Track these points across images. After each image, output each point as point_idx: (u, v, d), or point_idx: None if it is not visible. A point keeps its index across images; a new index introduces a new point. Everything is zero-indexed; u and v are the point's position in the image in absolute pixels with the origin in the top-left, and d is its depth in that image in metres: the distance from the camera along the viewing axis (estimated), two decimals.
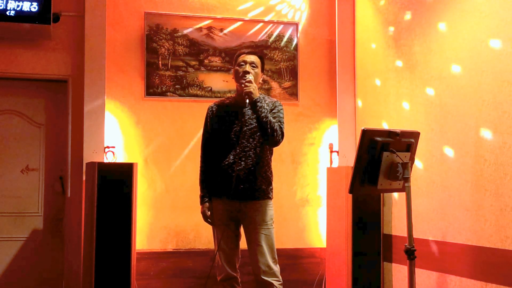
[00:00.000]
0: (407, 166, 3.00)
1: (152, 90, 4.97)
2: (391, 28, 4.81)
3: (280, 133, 3.48)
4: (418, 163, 4.35)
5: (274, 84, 5.26)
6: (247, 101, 3.44)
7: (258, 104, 3.43)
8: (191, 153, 4.93)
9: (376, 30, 5.03)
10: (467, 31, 3.96)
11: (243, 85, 3.48)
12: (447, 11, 4.16)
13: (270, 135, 3.44)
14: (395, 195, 4.75)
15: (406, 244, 2.98)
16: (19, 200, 4.78)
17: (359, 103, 5.26)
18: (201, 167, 3.69)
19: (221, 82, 5.13)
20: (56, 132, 4.88)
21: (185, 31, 5.04)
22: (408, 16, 4.60)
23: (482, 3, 3.82)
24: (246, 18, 5.22)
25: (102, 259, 4.25)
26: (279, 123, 3.50)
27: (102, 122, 4.75)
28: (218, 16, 5.15)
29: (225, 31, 5.15)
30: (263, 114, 3.42)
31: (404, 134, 3.10)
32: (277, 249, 3.59)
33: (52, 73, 4.79)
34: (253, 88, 3.45)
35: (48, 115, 4.89)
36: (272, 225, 3.57)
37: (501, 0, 3.68)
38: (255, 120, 3.50)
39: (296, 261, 5.18)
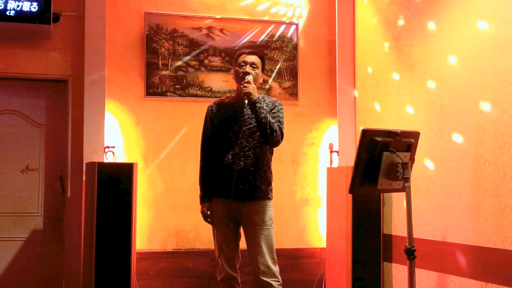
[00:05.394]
0: (407, 166, 3.00)
1: (152, 90, 4.97)
2: (391, 28, 4.81)
3: (279, 133, 3.48)
4: (419, 163, 4.34)
5: (274, 84, 5.26)
6: (246, 102, 3.44)
7: (257, 105, 3.43)
8: (191, 153, 4.92)
9: (376, 30, 5.03)
10: (467, 31, 3.96)
11: (242, 86, 3.48)
12: (447, 11, 4.16)
13: (269, 136, 3.44)
14: (395, 195, 4.75)
15: (406, 244, 2.98)
16: (19, 200, 4.78)
17: (359, 103, 5.26)
18: (201, 166, 3.69)
19: (221, 82, 5.13)
20: (56, 132, 4.88)
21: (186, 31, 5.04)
22: (408, 16, 4.60)
23: (482, 3, 3.82)
24: (246, 18, 5.22)
25: (102, 259, 4.25)
26: (279, 123, 3.50)
27: (102, 122, 4.75)
28: (218, 16, 5.15)
29: (225, 31, 5.15)
30: (262, 115, 3.42)
31: (404, 134, 3.10)
32: (277, 249, 3.59)
33: (52, 73, 4.79)
34: (252, 88, 3.44)
35: (48, 115, 4.89)
36: (271, 226, 3.56)
37: (501, 0, 3.68)
38: (254, 120, 3.49)
39: (296, 261, 5.18)
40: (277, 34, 5.27)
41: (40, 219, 4.82)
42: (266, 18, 5.27)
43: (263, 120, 3.42)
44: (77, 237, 4.69)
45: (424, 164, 4.32)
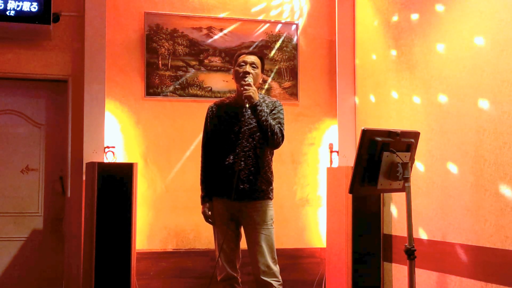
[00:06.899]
0: (407, 166, 3.00)
1: (152, 90, 4.97)
2: (391, 28, 4.81)
3: (280, 135, 3.48)
4: (418, 163, 4.34)
5: (274, 84, 5.26)
6: (247, 105, 3.44)
7: (258, 108, 3.43)
8: (191, 153, 4.93)
9: (376, 30, 5.03)
10: (467, 31, 3.96)
11: (242, 88, 3.48)
12: (447, 11, 4.17)
13: (270, 138, 3.45)
14: (395, 195, 4.74)
15: (406, 244, 2.98)
16: (19, 200, 4.78)
17: (359, 103, 5.26)
18: (202, 167, 3.69)
19: (221, 82, 5.13)
20: (56, 132, 4.88)
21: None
22: (408, 16, 4.60)
23: (482, 3, 3.82)
24: (246, 18, 5.22)
25: (102, 259, 4.25)
26: (279, 125, 3.50)
27: (102, 122, 4.75)
28: (218, 16, 5.15)
29: (225, 31, 5.15)
30: (263, 118, 3.42)
31: (404, 134, 3.10)
32: (277, 249, 3.60)
33: (52, 73, 4.79)
34: (253, 91, 3.44)
35: (48, 115, 4.89)
36: (272, 225, 3.57)
37: (501, 0, 3.68)
38: (254, 120, 3.49)
39: (296, 261, 5.18)
40: (277, 34, 5.27)
41: (40, 219, 4.83)
42: (266, 18, 5.27)
43: (264, 123, 3.42)
44: (77, 237, 4.69)
45: (424, 164, 4.32)
